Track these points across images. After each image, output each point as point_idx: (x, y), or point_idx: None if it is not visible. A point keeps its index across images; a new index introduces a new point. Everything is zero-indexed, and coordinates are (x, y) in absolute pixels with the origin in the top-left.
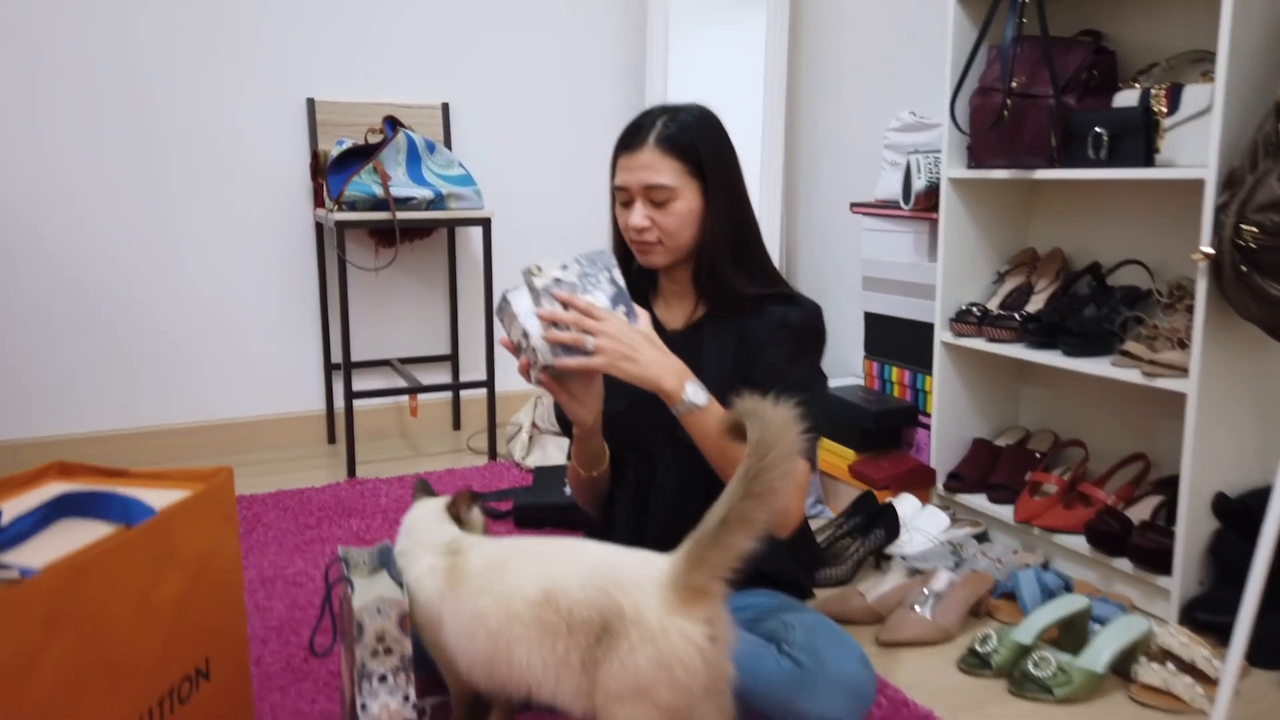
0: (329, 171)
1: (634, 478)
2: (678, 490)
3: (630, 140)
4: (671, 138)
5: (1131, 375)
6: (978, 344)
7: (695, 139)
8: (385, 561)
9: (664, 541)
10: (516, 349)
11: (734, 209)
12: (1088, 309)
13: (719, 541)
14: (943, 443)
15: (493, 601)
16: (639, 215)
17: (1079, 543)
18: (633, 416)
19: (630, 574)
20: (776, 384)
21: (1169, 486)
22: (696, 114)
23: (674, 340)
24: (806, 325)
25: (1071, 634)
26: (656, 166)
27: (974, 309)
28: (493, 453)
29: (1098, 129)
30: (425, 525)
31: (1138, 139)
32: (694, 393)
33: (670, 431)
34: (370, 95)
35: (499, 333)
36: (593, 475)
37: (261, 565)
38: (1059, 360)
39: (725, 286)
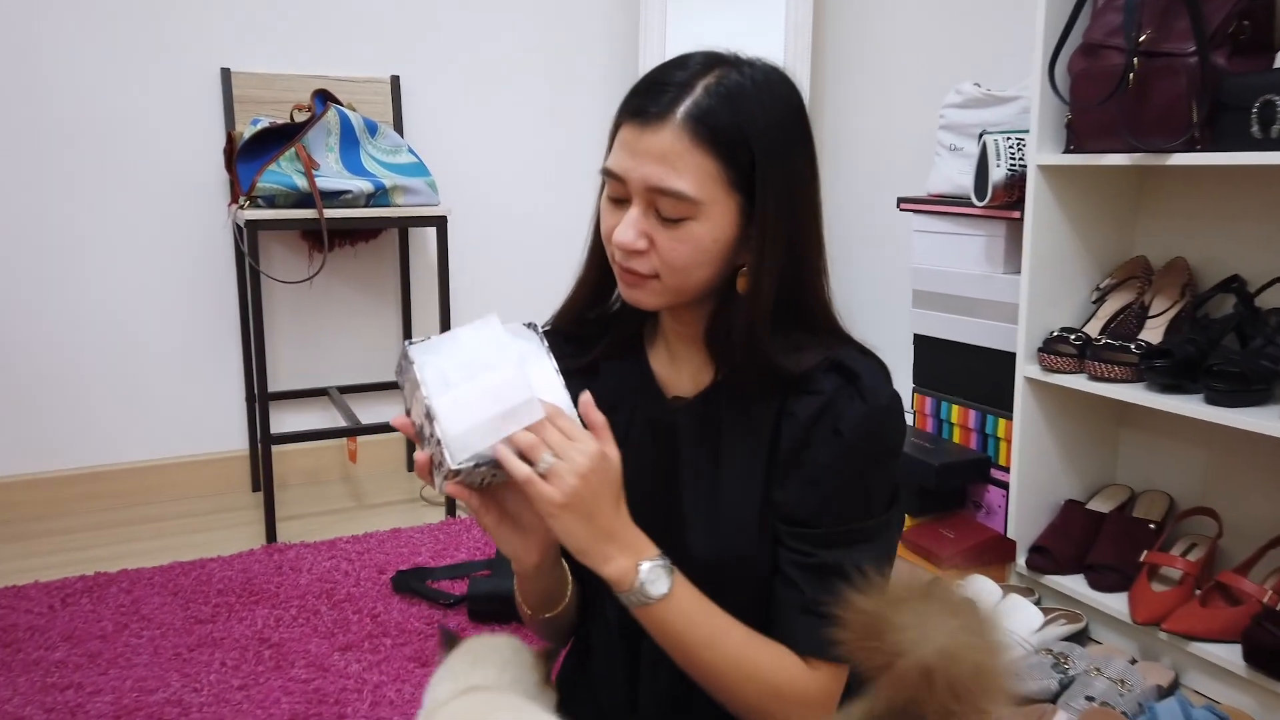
0: (238, 158)
1: (616, 616)
2: None
3: (646, 104)
4: (711, 116)
5: None
6: (1077, 382)
7: (748, 127)
8: None
9: (663, 704)
10: (419, 434)
11: (794, 244)
12: (1226, 339)
13: None
14: (1025, 506)
15: None
16: (631, 229)
17: (1225, 654)
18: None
19: None
20: (822, 542)
21: None
22: (762, 80)
23: (681, 413)
24: (870, 437)
25: None
26: (678, 161)
27: (1071, 336)
28: (451, 507)
29: (1270, 97)
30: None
31: None
32: (650, 577)
33: (667, 546)
34: (300, 66)
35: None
36: (544, 618)
37: (121, 688)
38: (1197, 409)
39: (758, 359)
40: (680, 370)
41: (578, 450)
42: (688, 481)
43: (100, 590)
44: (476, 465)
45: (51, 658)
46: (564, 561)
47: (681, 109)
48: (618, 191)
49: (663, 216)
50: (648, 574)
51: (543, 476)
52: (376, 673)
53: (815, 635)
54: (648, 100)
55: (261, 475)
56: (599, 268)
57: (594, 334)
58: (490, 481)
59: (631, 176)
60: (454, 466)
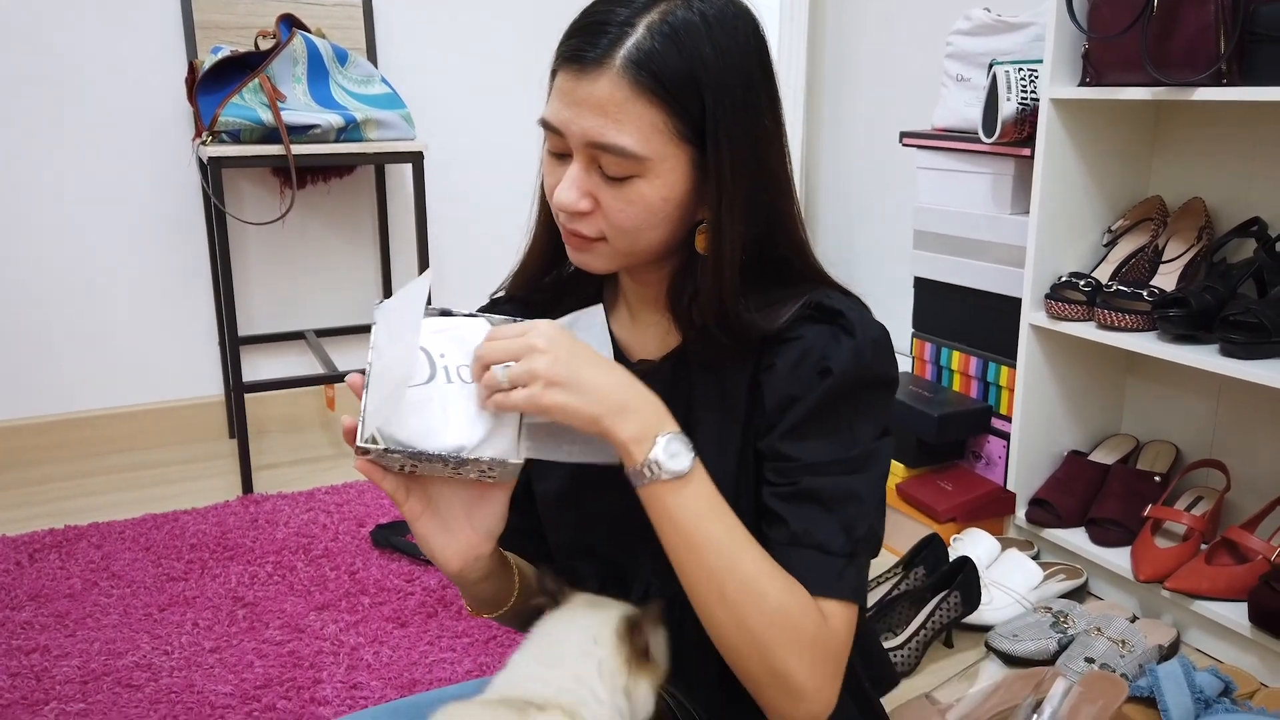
0: (198, 91)
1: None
2: (674, 609)
3: (582, 48)
4: (655, 60)
5: None
6: (1085, 330)
7: (698, 71)
8: None
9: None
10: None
11: (757, 196)
12: (1244, 286)
13: None
14: (1026, 458)
15: None
16: (572, 189)
17: (1229, 613)
18: (586, 506)
19: None
20: (806, 469)
21: None
22: (714, 15)
23: (647, 379)
24: (861, 370)
25: None
26: (619, 113)
27: (1081, 282)
28: None
29: None
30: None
31: None
32: (670, 450)
33: (635, 525)
34: None
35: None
36: (485, 616)
37: (89, 651)
38: (1211, 361)
39: (729, 324)
40: (644, 333)
41: (524, 340)
42: None
43: (69, 545)
44: (388, 450)
45: (18, 618)
46: (516, 566)
47: (621, 53)
48: (558, 145)
49: (606, 175)
50: (667, 444)
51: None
52: (353, 634)
53: (818, 569)
54: (584, 43)
55: (239, 422)
56: (550, 228)
57: (550, 298)
58: (411, 470)
59: (570, 130)
60: (359, 442)
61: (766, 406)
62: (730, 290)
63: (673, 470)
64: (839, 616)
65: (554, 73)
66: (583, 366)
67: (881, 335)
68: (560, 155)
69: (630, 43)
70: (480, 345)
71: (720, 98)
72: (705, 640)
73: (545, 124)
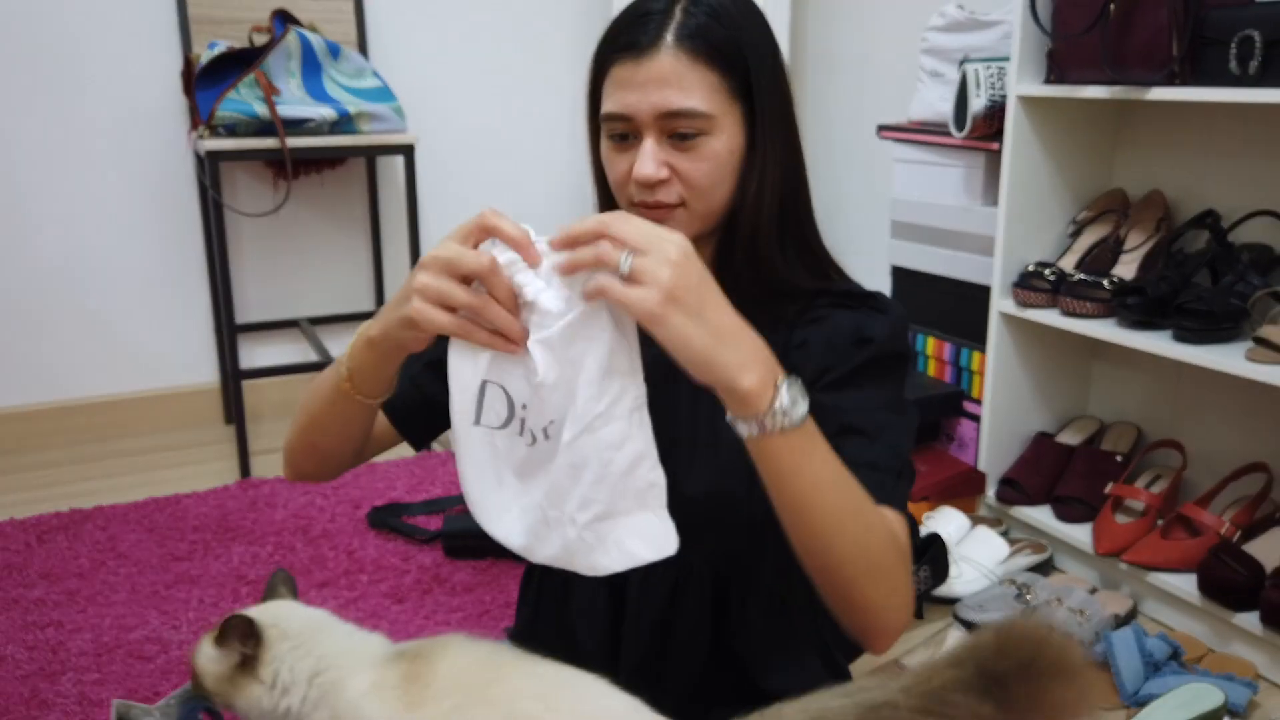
0: (196, 86)
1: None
2: (671, 577)
3: (634, 37)
4: (703, 32)
5: (1275, 375)
6: (1050, 317)
7: (739, 36)
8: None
9: (646, 666)
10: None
11: (790, 154)
12: (1198, 275)
13: None
14: (996, 439)
15: None
16: (650, 160)
17: (1182, 584)
18: None
19: None
20: (845, 412)
21: None
22: None
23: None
24: (895, 341)
25: None
26: (682, 80)
27: (1046, 271)
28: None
29: (1248, 32)
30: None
31: None
32: (792, 396)
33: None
34: None
35: None
36: (318, 439)
37: (101, 626)
38: (1166, 347)
39: (768, 276)
40: None
41: (661, 237)
42: (686, 418)
43: (76, 527)
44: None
45: (30, 595)
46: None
47: (671, 32)
48: (624, 131)
49: (679, 137)
50: (789, 389)
51: (627, 281)
52: (353, 610)
53: (874, 483)
54: (635, 33)
55: (236, 408)
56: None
57: None
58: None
59: (639, 109)
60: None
61: (803, 380)
62: (769, 242)
63: (795, 418)
64: (899, 524)
65: (601, 71)
66: (711, 297)
67: (905, 315)
68: (624, 141)
69: (675, 23)
70: (609, 216)
71: (757, 57)
72: (695, 637)
73: (611, 116)
